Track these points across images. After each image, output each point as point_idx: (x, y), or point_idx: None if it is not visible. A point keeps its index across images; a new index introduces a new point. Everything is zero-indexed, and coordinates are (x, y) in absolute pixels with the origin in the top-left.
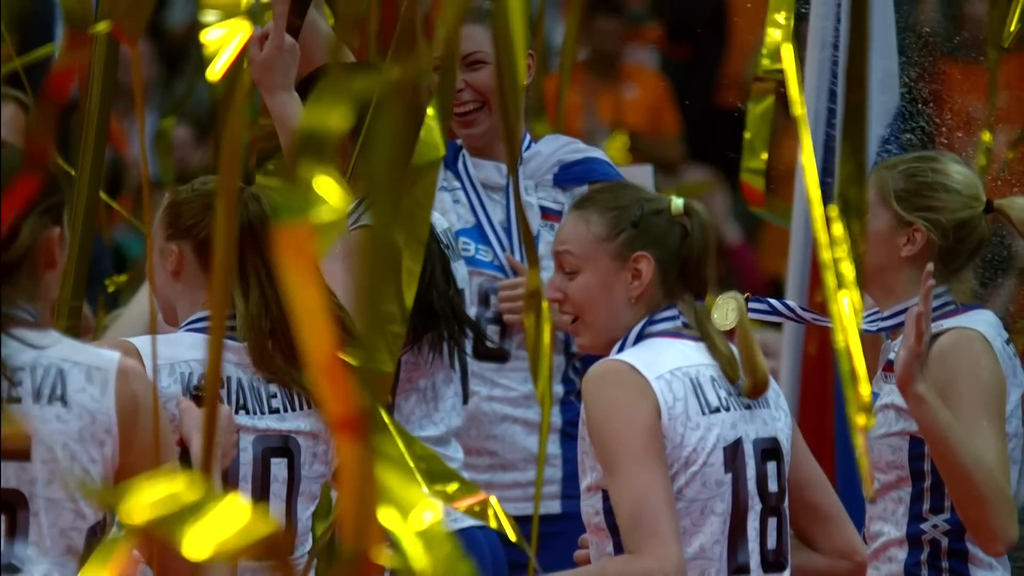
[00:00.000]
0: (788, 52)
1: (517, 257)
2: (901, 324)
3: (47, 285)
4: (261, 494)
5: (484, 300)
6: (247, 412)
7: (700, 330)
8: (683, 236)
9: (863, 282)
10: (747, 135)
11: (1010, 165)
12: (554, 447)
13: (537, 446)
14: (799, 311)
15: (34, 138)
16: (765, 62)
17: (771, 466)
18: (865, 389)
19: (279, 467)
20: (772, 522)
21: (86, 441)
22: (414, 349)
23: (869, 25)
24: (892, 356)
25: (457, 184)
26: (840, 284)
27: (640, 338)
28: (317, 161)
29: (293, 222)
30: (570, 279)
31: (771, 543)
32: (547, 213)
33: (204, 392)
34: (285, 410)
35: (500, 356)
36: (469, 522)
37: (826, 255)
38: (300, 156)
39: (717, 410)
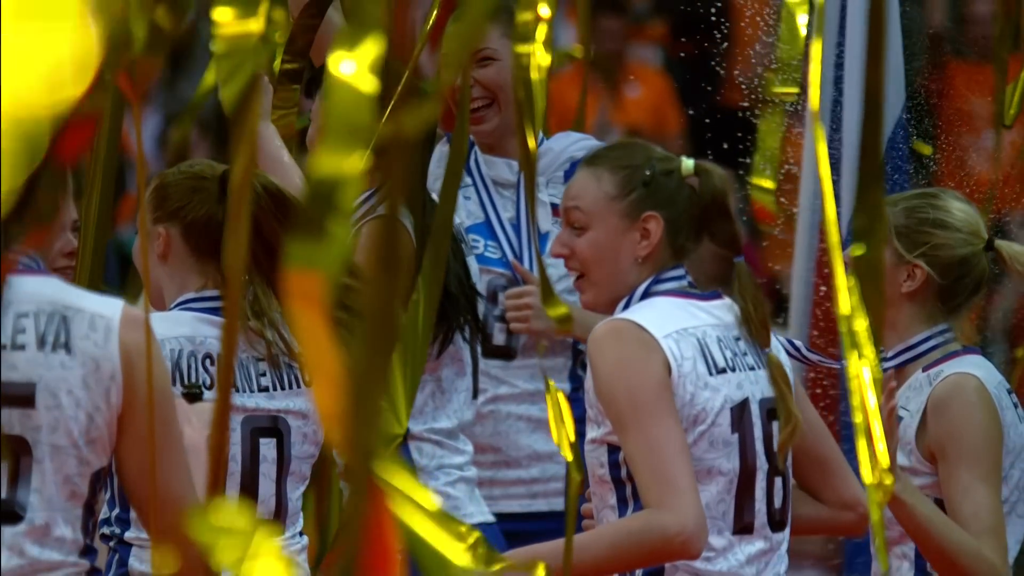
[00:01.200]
0: (815, 69)
1: (526, 254)
2: (904, 363)
3: (52, 234)
4: (250, 475)
5: (492, 297)
6: (236, 390)
7: (738, 283)
8: (692, 197)
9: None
10: (757, 156)
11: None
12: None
13: (541, 444)
14: (804, 352)
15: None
16: (775, 85)
17: (775, 425)
18: (884, 460)
19: (268, 448)
20: (778, 482)
21: (90, 388)
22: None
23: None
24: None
25: (468, 181)
26: (860, 354)
27: (645, 296)
28: (329, 210)
29: (304, 271)
30: (578, 235)
31: (777, 502)
32: (558, 210)
33: (194, 390)
34: (274, 388)
35: (506, 354)
36: (478, 518)
37: (843, 324)
38: (312, 205)
39: (724, 371)
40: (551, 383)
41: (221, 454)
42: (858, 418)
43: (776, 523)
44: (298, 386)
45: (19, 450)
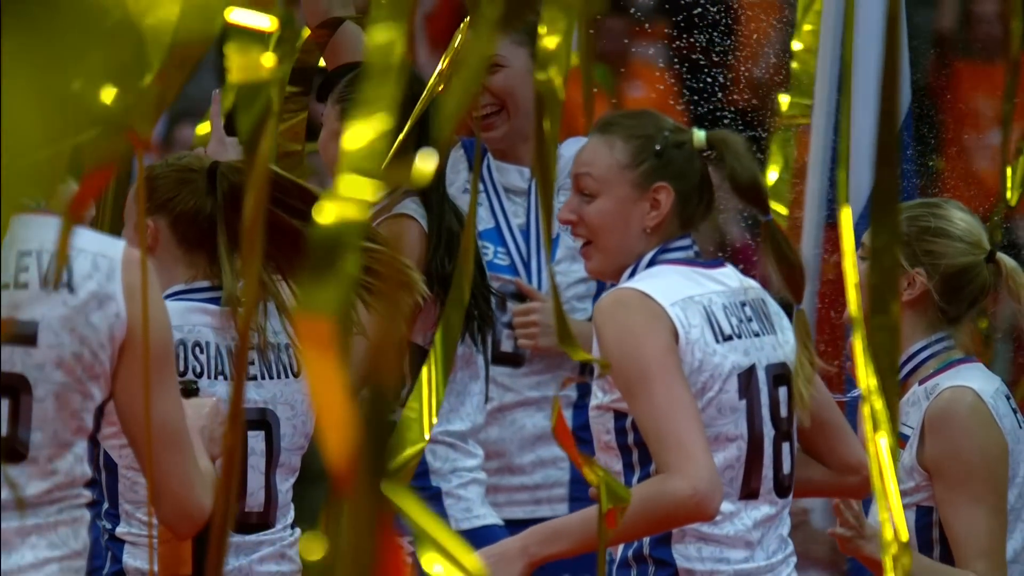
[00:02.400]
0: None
1: (534, 261)
2: (905, 376)
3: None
4: (239, 467)
5: (500, 304)
6: (225, 378)
7: (771, 239)
8: (703, 170)
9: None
10: (770, 183)
11: None
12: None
13: (546, 451)
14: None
15: None
16: (786, 104)
17: (782, 391)
18: (903, 534)
19: (256, 440)
20: (785, 447)
21: (94, 326)
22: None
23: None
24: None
25: (480, 187)
26: (876, 426)
27: (651, 265)
28: (339, 254)
29: (315, 317)
30: (587, 202)
31: (785, 468)
32: None
33: (191, 386)
34: (263, 377)
35: (514, 361)
36: (489, 520)
37: (865, 403)
38: (322, 248)
39: (730, 337)
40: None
41: (235, 452)
42: (877, 488)
43: (783, 488)
44: (287, 375)
45: (20, 388)
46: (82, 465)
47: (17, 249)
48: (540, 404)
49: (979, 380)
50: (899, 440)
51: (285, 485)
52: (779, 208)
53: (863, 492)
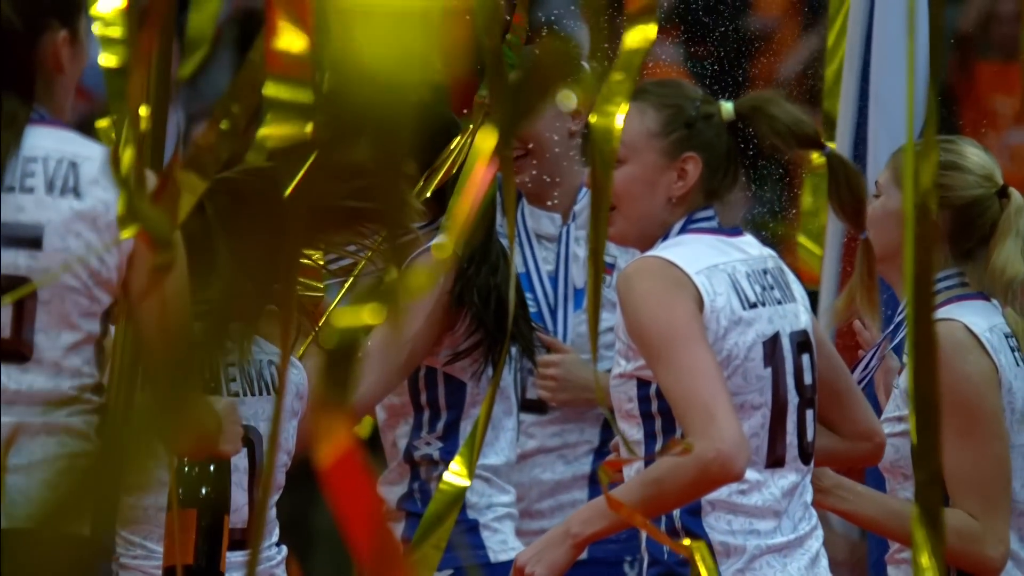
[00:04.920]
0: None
1: (561, 309)
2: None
3: (57, 88)
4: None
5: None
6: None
7: (834, 170)
8: (730, 142)
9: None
10: (803, 217)
11: None
12: (581, 493)
13: (567, 497)
14: None
15: None
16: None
17: (805, 359)
18: None
19: (240, 457)
20: (809, 414)
21: (100, 231)
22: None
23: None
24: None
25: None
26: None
27: (680, 234)
28: (353, 361)
29: (337, 448)
30: (615, 168)
31: (809, 435)
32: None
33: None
34: (245, 394)
35: (538, 408)
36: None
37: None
38: (335, 359)
39: (755, 305)
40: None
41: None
42: None
43: (807, 456)
44: (269, 392)
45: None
46: (89, 368)
47: (23, 156)
48: (561, 451)
49: (974, 315)
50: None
51: (270, 500)
52: (813, 248)
53: (875, 459)
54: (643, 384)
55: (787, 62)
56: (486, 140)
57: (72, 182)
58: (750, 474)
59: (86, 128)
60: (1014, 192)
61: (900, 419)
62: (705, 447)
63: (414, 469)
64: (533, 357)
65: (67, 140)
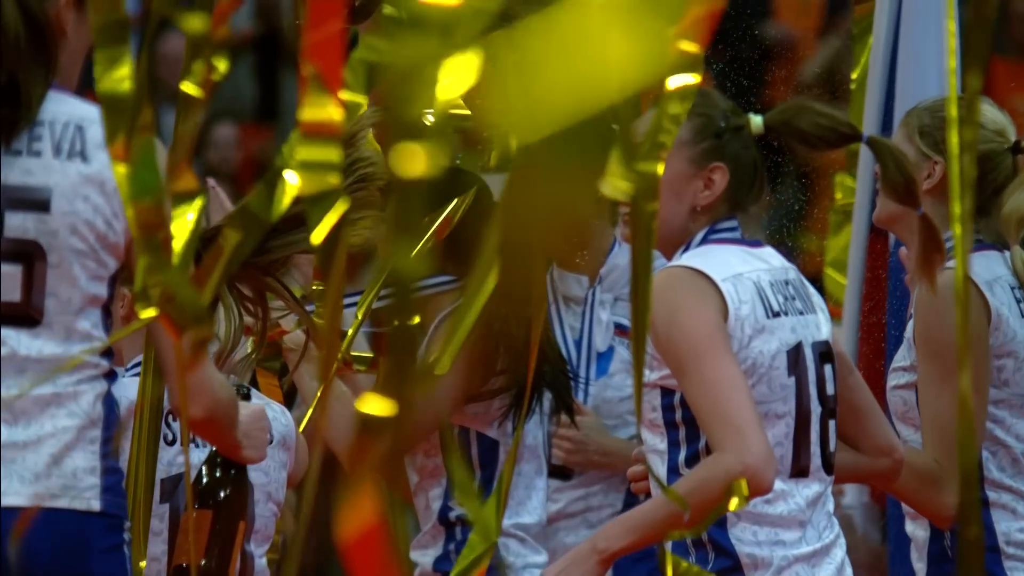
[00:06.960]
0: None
1: (583, 372)
2: None
3: (62, 54)
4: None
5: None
6: (195, 445)
7: (883, 154)
8: (757, 155)
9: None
10: (828, 255)
11: None
12: None
13: None
14: None
15: None
16: (840, 195)
17: (827, 369)
18: None
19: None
20: (831, 424)
21: (108, 195)
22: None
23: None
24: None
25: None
26: None
27: (702, 244)
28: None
29: (359, 524)
30: None
31: (831, 445)
32: (621, 329)
33: (243, 390)
34: None
35: (563, 474)
36: None
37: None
38: (357, 456)
39: (778, 314)
40: None
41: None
42: None
43: (830, 466)
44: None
45: (34, 254)
46: (98, 331)
47: (28, 119)
48: (584, 515)
49: (978, 265)
50: None
51: (260, 550)
52: (839, 278)
53: (894, 475)
54: (667, 393)
55: (809, 65)
56: None
57: (79, 146)
58: (776, 484)
59: None
60: None
61: (906, 369)
62: (731, 462)
63: (449, 530)
64: (571, 412)
65: (72, 104)
